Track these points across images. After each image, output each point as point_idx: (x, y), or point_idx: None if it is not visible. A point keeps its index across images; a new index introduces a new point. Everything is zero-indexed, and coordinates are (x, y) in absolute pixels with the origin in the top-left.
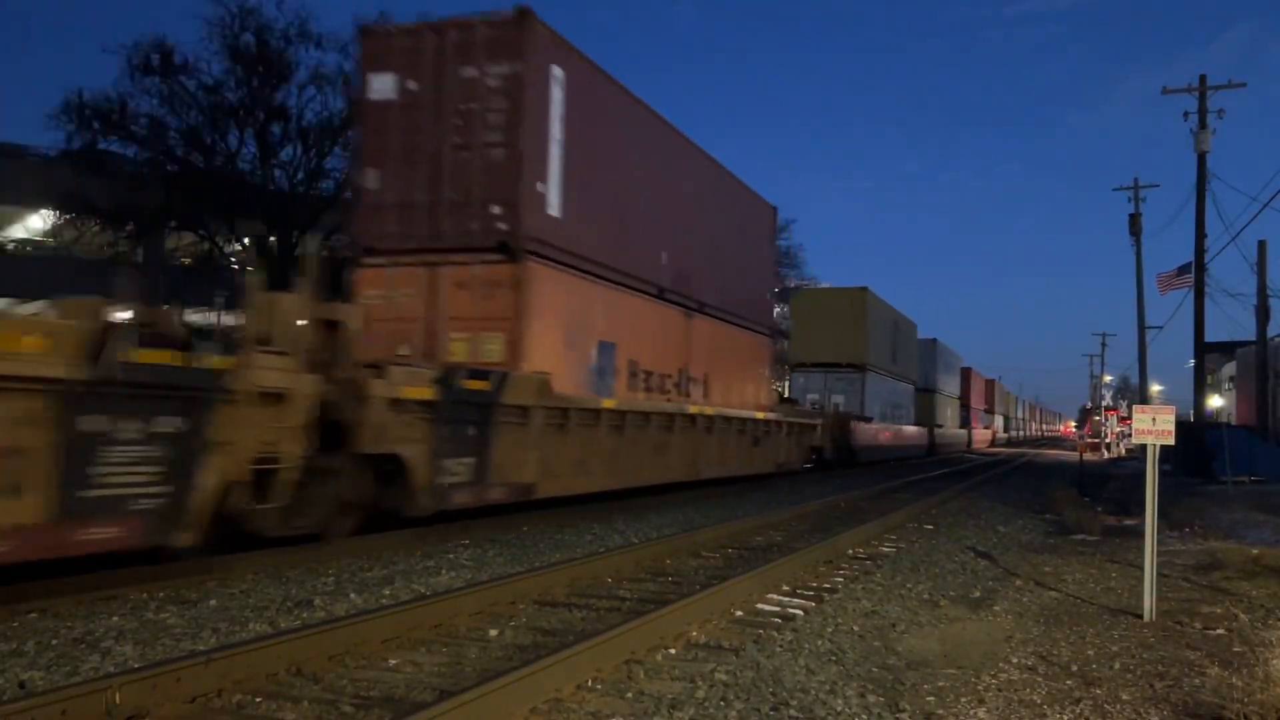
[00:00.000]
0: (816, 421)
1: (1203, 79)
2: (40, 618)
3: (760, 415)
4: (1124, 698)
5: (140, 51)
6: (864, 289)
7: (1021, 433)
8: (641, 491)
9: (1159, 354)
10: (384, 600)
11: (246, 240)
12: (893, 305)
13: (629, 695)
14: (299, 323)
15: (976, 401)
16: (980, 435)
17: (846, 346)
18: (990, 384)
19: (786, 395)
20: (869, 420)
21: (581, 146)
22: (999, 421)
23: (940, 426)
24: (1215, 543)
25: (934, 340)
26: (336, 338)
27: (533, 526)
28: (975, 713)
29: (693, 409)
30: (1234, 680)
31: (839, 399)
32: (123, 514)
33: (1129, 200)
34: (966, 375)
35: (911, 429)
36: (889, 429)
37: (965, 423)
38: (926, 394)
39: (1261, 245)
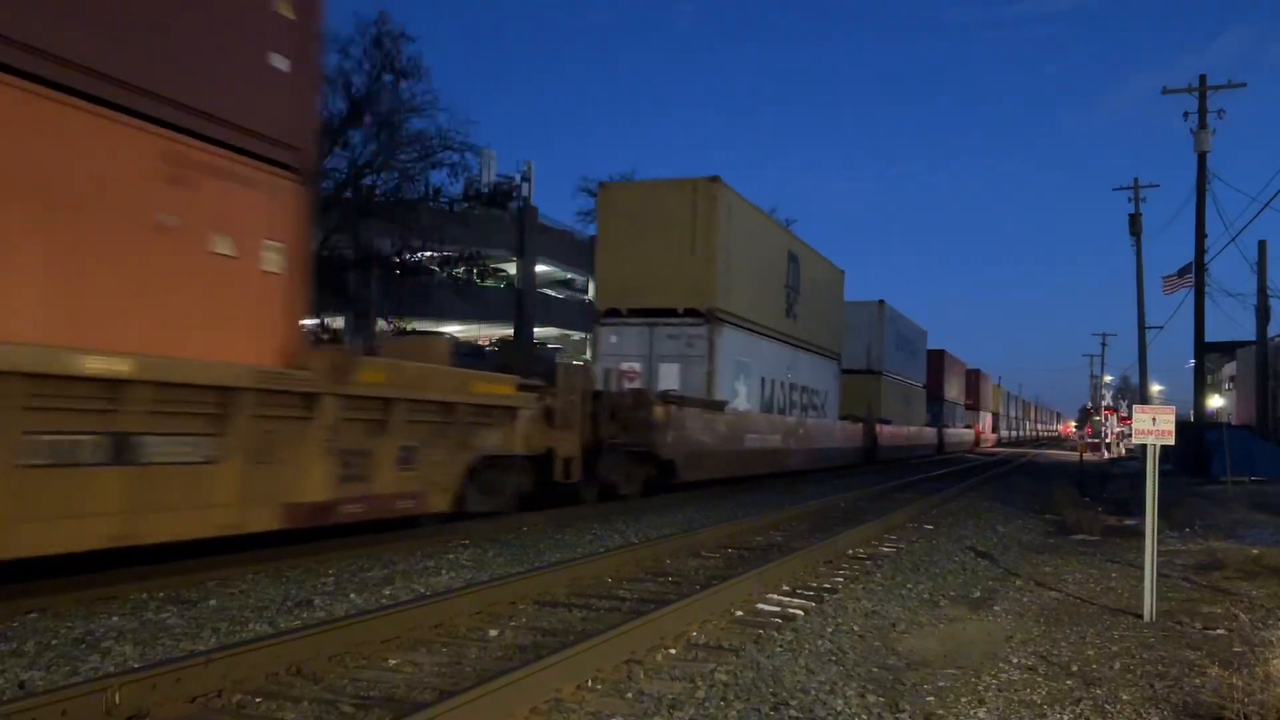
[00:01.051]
0: (503, 403)
1: (1203, 79)
2: (40, 618)
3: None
4: (1124, 698)
5: None
6: (714, 180)
7: (1016, 433)
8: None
9: (1159, 354)
10: (384, 600)
11: None
12: (803, 240)
13: (629, 695)
14: None
15: (954, 394)
16: (957, 436)
17: (685, 280)
18: (974, 375)
19: (579, 362)
20: (718, 407)
21: None
22: (986, 420)
23: (889, 423)
24: (1215, 543)
25: (881, 303)
26: None
27: (533, 526)
28: (975, 713)
29: None
30: (1234, 680)
31: (672, 368)
32: None
33: (1129, 200)
34: (938, 360)
35: (833, 426)
36: (770, 425)
37: (937, 419)
38: (867, 377)
39: (1261, 245)
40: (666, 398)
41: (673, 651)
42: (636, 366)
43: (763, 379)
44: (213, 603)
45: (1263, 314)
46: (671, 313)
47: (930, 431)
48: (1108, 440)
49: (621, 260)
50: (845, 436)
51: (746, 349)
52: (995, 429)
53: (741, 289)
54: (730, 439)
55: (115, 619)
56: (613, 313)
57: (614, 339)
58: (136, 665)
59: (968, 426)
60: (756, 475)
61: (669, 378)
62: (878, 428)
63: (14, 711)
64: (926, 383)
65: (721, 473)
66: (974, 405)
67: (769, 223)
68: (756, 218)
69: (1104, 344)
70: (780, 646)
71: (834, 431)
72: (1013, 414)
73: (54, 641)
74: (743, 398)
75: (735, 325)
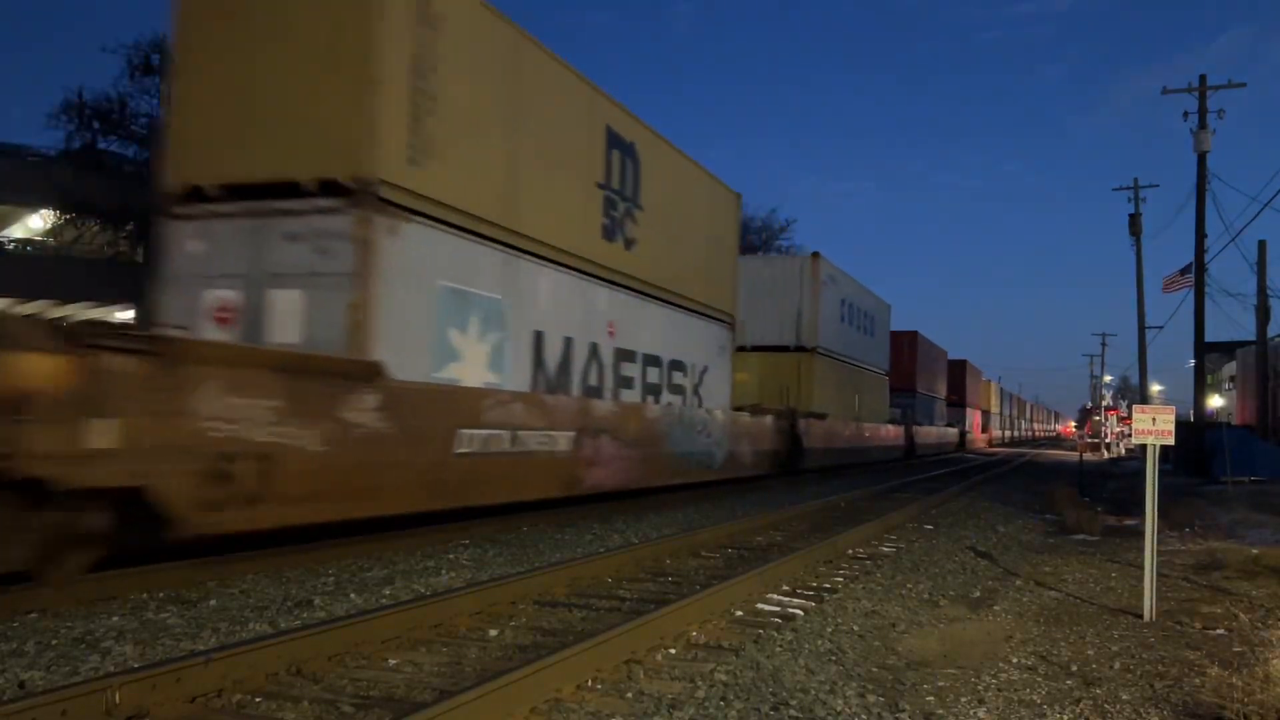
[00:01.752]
0: None
1: (1203, 79)
2: (40, 618)
3: None
4: (1124, 698)
5: (140, 51)
6: None
7: (1010, 433)
8: (643, 491)
9: (1159, 354)
10: (384, 600)
11: None
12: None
13: (629, 695)
14: None
15: (931, 386)
16: (936, 436)
17: (319, 124)
18: (959, 366)
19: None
20: (362, 375)
21: None
22: (974, 418)
23: (824, 418)
24: (1215, 542)
25: (815, 256)
26: None
27: (533, 526)
28: (975, 713)
29: None
30: (1234, 680)
31: (293, 299)
32: None
33: (1129, 200)
34: (910, 344)
35: (711, 420)
36: (544, 414)
37: (907, 415)
38: (793, 357)
39: (1261, 245)
40: (92, 333)
41: (673, 651)
42: (232, 296)
43: (539, 334)
44: (213, 603)
45: (1263, 314)
46: (293, 190)
47: (892, 430)
48: (1108, 440)
49: (213, 96)
50: (739, 435)
51: (492, 275)
52: (985, 428)
53: (475, 161)
54: (405, 441)
55: (115, 619)
56: (194, 196)
57: (197, 245)
58: (136, 665)
59: (950, 425)
60: (506, 506)
61: (289, 316)
62: (803, 424)
63: (14, 711)
64: (891, 370)
65: (381, 506)
66: (959, 401)
67: (560, 69)
68: (519, 46)
69: (1104, 344)
70: (780, 646)
71: (712, 428)
72: (1007, 412)
73: (54, 641)
74: (478, 363)
75: (447, 225)
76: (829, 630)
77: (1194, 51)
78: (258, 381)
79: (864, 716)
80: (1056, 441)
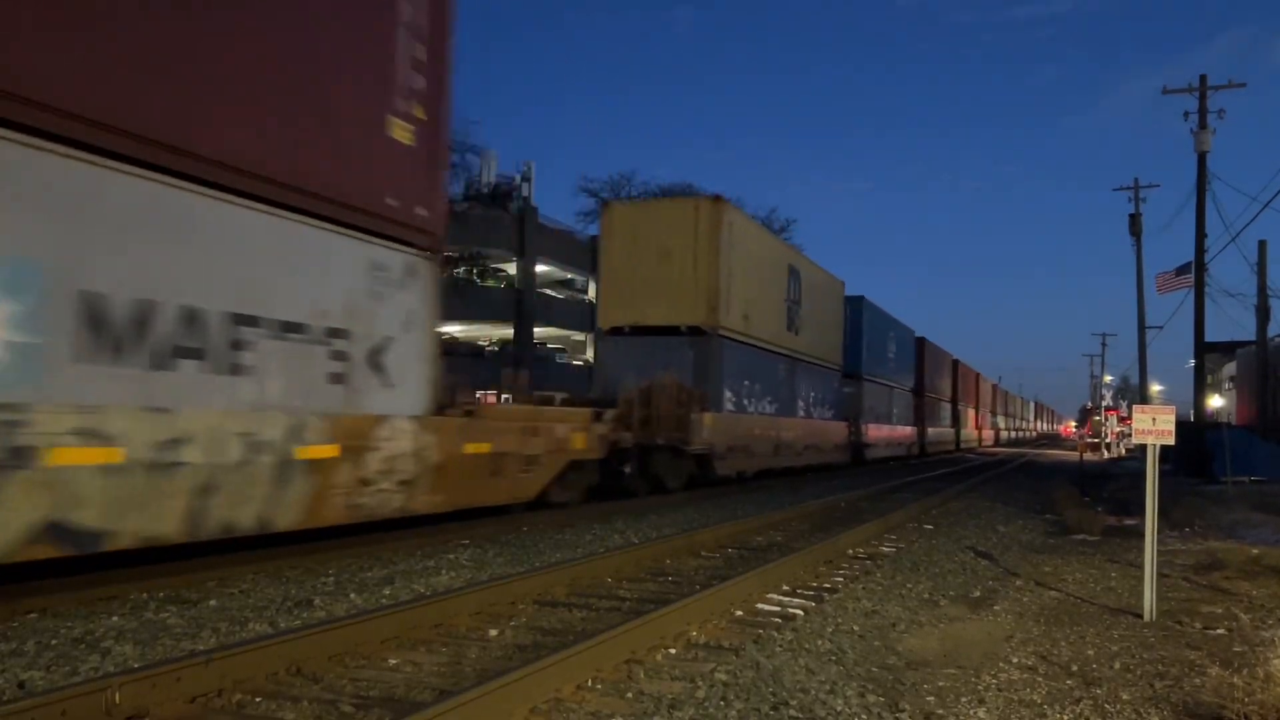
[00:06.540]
0: None
1: (1203, 79)
2: (40, 618)
3: None
4: (1124, 697)
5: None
6: None
7: (1010, 432)
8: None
9: (1159, 354)
10: (384, 600)
11: None
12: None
13: (629, 695)
14: None
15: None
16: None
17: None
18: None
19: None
20: None
21: None
22: (972, 418)
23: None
24: (1215, 542)
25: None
26: None
27: (533, 526)
28: (975, 713)
29: None
30: (1234, 680)
31: (669, 376)
32: None
33: (1129, 200)
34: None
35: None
36: None
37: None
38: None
39: (1261, 245)
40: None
41: (673, 651)
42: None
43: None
44: (213, 603)
45: (1263, 314)
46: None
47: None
48: (1108, 440)
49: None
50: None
51: None
52: (984, 428)
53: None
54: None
55: (115, 619)
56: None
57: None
58: (136, 665)
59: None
60: None
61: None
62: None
63: (14, 711)
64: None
65: None
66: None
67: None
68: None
69: (1104, 344)
70: (780, 646)
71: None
72: (1006, 412)
73: (54, 641)
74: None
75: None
76: (829, 630)
77: (1193, 52)
78: None
79: (864, 716)
80: (1056, 441)
